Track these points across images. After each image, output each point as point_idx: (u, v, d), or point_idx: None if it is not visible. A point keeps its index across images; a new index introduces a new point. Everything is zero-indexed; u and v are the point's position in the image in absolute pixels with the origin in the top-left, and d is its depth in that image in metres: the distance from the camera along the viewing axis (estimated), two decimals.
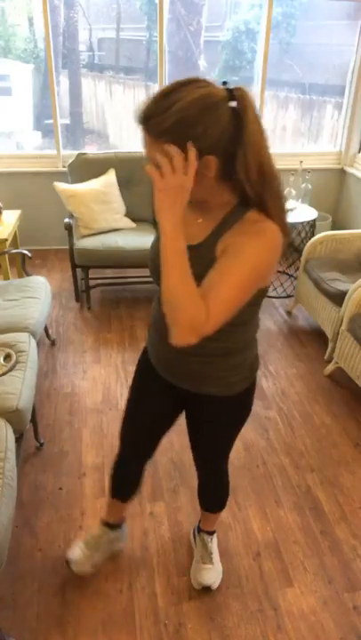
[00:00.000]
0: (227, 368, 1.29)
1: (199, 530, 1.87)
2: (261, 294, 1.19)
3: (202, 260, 1.09)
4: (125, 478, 1.75)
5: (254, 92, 4.20)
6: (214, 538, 1.86)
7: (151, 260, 1.26)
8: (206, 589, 1.78)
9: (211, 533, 1.85)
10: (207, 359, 1.29)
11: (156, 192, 1.01)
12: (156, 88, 4.04)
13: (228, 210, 1.13)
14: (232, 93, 1.01)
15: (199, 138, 0.99)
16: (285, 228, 1.11)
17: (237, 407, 1.45)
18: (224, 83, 1.04)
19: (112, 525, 1.83)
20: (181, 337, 1.03)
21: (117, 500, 1.78)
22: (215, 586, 1.78)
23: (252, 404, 1.48)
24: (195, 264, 1.03)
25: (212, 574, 1.78)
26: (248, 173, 1.06)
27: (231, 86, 1.03)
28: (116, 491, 1.76)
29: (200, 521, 1.87)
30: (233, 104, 1.00)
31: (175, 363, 1.34)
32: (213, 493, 1.76)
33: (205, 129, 0.99)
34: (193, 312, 1.00)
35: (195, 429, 1.55)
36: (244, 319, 1.22)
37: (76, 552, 1.79)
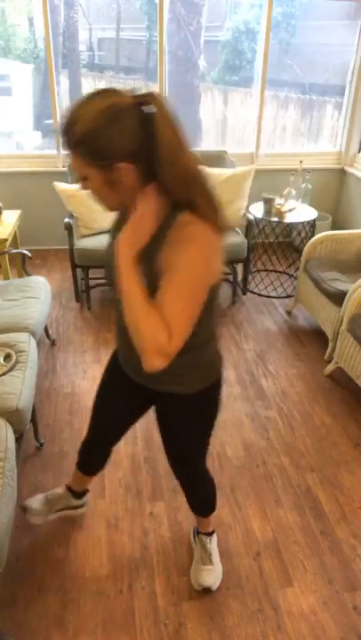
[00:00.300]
0: (181, 366, 1.23)
1: (198, 531, 1.87)
2: (213, 293, 1.20)
3: (145, 271, 1.10)
4: (90, 458, 1.86)
5: (254, 92, 4.20)
6: (213, 538, 1.86)
7: (107, 265, 1.29)
8: (206, 590, 1.78)
9: (209, 534, 1.85)
10: None
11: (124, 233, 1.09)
12: (156, 88, 4.05)
13: (163, 216, 1.12)
14: (142, 99, 1.05)
15: (108, 147, 1.04)
16: (219, 225, 1.11)
17: (197, 406, 1.45)
18: (134, 90, 1.09)
19: (75, 492, 1.97)
20: (151, 363, 1.06)
21: (81, 473, 1.90)
22: (215, 587, 1.79)
23: (216, 405, 1.48)
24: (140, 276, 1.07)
25: (211, 575, 1.78)
26: (169, 175, 1.07)
27: (140, 92, 1.07)
28: (81, 466, 1.88)
29: (197, 524, 1.88)
30: (145, 109, 1.04)
31: (136, 362, 1.31)
32: (193, 498, 1.77)
33: (112, 138, 1.03)
34: (156, 337, 1.04)
35: (161, 430, 1.56)
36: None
37: (35, 503, 1.92)
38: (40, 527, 1.98)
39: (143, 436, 2.44)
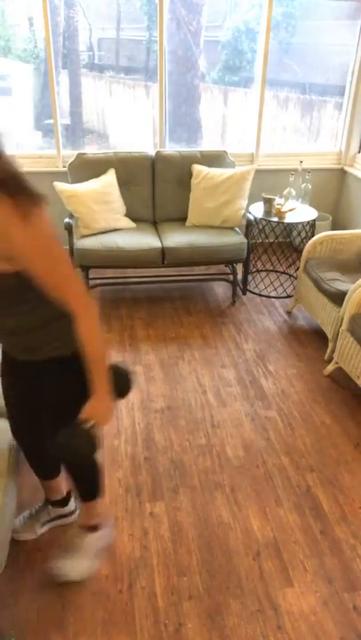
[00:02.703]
0: (37, 338, 1.40)
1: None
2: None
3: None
4: (34, 462, 1.83)
5: (254, 92, 4.20)
6: (91, 535, 1.82)
7: None
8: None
9: (90, 529, 1.82)
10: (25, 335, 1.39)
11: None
12: (156, 88, 4.05)
13: None
14: None
15: None
16: (22, 200, 1.16)
17: (50, 371, 1.49)
18: None
19: (55, 502, 1.94)
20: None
21: (42, 479, 1.89)
22: (70, 578, 1.77)
23: (69, 377, 1.45)
24: None
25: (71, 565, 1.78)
26: None
27: None
28: (36, 471, 1.86)
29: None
30: None
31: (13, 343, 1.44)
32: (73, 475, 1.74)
33: None
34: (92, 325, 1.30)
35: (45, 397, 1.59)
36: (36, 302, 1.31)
37: (17, 522, 1.91)
38: None
39: (143, 437, 2.44)
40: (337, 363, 2.84)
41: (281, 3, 4.05)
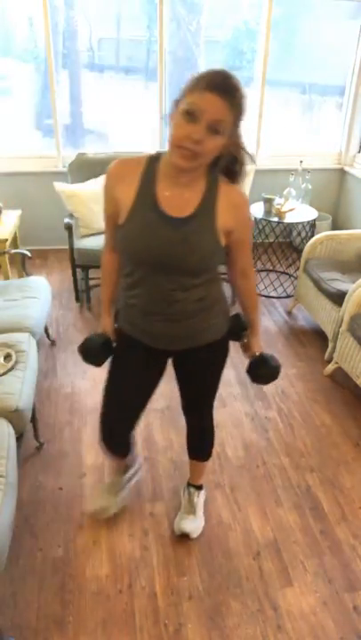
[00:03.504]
0: (214, 315, 1.55)
1: (188, 484, 2.04)
2: None
3: (205, 225, 1.32)
4: (115, 440, 1.86)
5: (254, 92, 4.20)
6: (202, 493, 2.03)
7: (142, 243, 1.34)
8: (185, 537, 1.93)
9: (198, 488, 2.02)
10: (205, 313, 1.52)
11: None
12: (156, 88, 4.05)
13: (204, 178, 1.33)
14: None
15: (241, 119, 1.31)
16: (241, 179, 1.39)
17: (224, 349, 1.65)
18: None
19: (123, 471, 2.04)
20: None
21: (118, 458, 1.98)
22: (194, 535, 1.95)
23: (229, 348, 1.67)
24: (200, 230, 1.31)
25: (192, 524, 1.95)
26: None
27: None
28: (113, 450, 1.90)
29: (190, 476, 2.04)
30: None
31: (175, 332, 1.52)
32: (202, 439, 1.91)
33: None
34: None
35: (190, 380, 1.73)
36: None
37: (101, 501, 1.98)
38: (40, 527, 1.98)
39: (143, 436, 2.44)
40: (337, 363, 2.84)
41: (281, 3, 4.04)
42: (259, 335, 1.66)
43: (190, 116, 1.16)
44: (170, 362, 1.70)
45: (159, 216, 1.31)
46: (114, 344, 1.66)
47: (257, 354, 1.65)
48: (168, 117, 1.26)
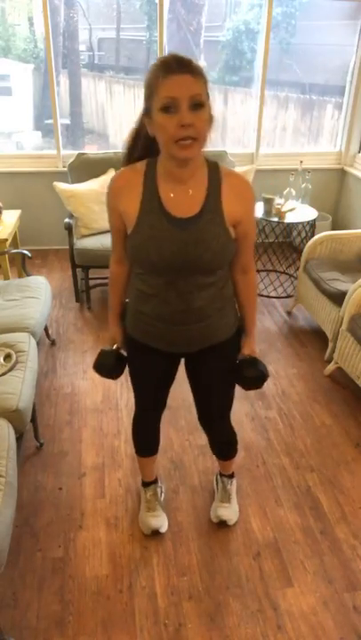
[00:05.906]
0: (227, 313, 1.55)
1: (220, 474, 2.07)
2: None
3: (214, 221, 1.32)
4: (148, 437, 1.92)
5: (254, 92, 4.20)
6: (234, 481, 2.08)
7: (156, 248, 1.33)
8: (222, 524, 1.99)
9: (230, 477, 2.06)
10: (219, 312, 1.52)
11: None
12: None
13: (204, 167, 1.35)
14: None
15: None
16: None
17: (236, 347, 1.64)
18: None
19: (154, 481, 2.04)
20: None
21: (148, 457, 1.97)
22: (231, 522, 2.00)
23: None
24: (210, 226, 1.31)
25: (229, 511, 2.00)
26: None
27: None
28: (144, 449, 1.95)
29: (220, 468, 2.07)
30: None
31: (190, 335, 1.52)
32: (228, 450, 1.96)
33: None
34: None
35: (204, 381, 1.71)
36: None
37: (155, 520, 1.96)
38: (40, 527, 1.98)
39: None
40: (337, 363, 2.84)
41: (281, 3, 4.05)
42: (253, 336, 1.64)
43: (170, 108, 1.16)
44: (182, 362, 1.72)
45: (167, 219, 1.31)
46: (125, 353, 1.68)
47: (247, 355, 1.64)
48: (148, 130, 1.27)
